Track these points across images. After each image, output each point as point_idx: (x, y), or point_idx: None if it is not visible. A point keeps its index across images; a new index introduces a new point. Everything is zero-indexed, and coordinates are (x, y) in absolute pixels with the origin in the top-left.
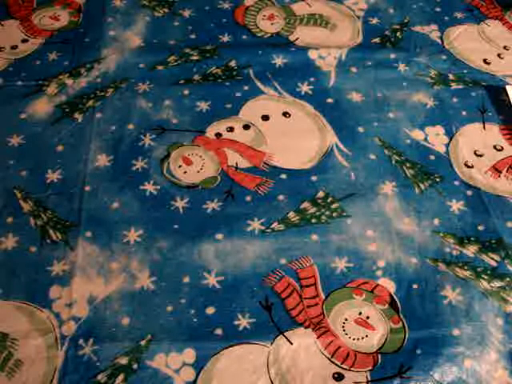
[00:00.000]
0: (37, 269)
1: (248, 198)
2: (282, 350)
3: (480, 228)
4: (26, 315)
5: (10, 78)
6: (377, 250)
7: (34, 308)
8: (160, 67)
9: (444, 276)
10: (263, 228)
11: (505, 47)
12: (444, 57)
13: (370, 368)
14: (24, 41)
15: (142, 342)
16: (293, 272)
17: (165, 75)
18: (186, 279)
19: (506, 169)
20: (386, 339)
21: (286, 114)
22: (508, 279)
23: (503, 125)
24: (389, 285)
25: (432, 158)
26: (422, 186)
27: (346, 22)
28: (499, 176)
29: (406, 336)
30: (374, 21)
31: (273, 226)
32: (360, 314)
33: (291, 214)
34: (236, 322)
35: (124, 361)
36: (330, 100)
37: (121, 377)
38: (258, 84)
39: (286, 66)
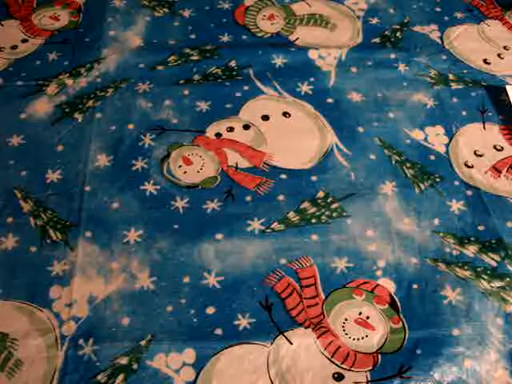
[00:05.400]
0: (37, 269)
1: (248, 198)
2: (281, 350)
3: (480, 228)
4: (26, 315)
5: (10, 78)
6: (377, 250)
7: (34, 308)
8: (160, 67)
9: (444, 276)
10: (263, 228)
11: (505, 47)
12: (444, 57)
13: (370, 368)
14: (24, 41)
15: (142, 342)
16: (293, 272)
17: (165, 75)
18: (186, 279)
19: (506, 169)
20: (386, 339)
21: (285, 114)
22: (508, 279)
23: (503, 125)
24: (389, 285)
25: (432, 157)
26: (422, 186)
27: (346, 21)
28: (499, 176)
29: (406, 336)
30: (374, 21)
31: (273, 226)
32: (360, 314)
33: (291, 214)
34: (236, 322)
35: (124, 361)
36: (330, 100)
37: (121, 377)
38: (258, 84)
39: (286, 66)
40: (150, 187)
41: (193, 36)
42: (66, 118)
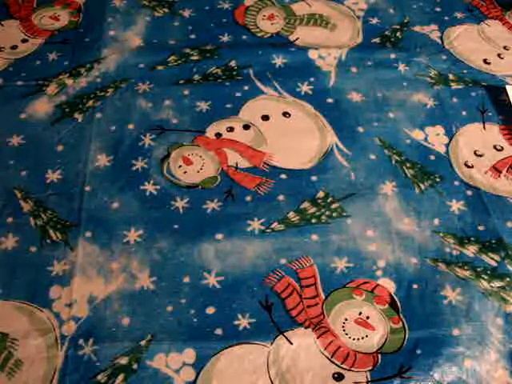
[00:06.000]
0: (37, 269)
1: (248, 198)
2: (281, 350)
3: (480, 228)
4: (26, 315)
5: (10, 78)
6: (377, 250)
7: (34, 308)
8: (160, 67)
9: (444, 276)
10: (263, 228)
11: (505, 47)
12: (444, 57)
13: (370, 368)
14: (24, 41)
15: (142, 342)
16: (293, 272)
17: (165, 75)
18: (186, 279)
19: (506, 169)
20: (386, 339)
21: (285, 114)
22: (508, 279)
23: (503, 125)
24: (389, 285)
25: (432, 158)
26: (422, 186)
27: (346, 21)
28: (499, 176)
29: (406, 336)
30: (374, 21)
31: (273, 226)
32: (360, 314)
33: (291, 214)
34: (236, 322)
35: (124, 361)
36: (330, 100)
37: (121, 377)
38: (258, 84)
39: (286, 66)
40: (150, 187)
41: (193, 36)
42: (66, 118)
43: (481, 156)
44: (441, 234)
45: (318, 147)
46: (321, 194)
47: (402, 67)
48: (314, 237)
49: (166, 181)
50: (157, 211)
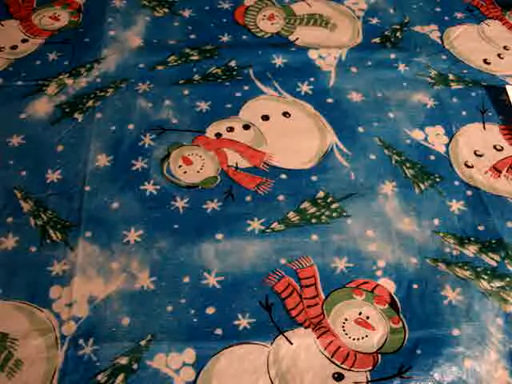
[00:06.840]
0: (37, 269)
1: (248, 198)
2: (281, 350)
3: (480, 228)
4: (26, 315)
5: (10, 78)
6: (377, 249)
7: (34, 308)
8: (160, 67)
9: (444, 276)
10: (263, 228)
11: (505, 47)
12: (444, 57)
13: (370, 368)
14: (24, 41)
15: (142, 342)
16: (293, 272)
17: (165, 75)
18: (186, 279)
19: (506, 169)
20: (386, 339)
21: (286, 114)
22: (508, 279)
23: (503, 125)
24: (389, 285)
25: (432, 157)
26: (422, 186)
27: (346, 22)
28: (499, 176)
29: (406, 336)
30: (374, 21)
31: (273, 226)
32: (360, 314)
33: (291, 214)
34: (236, 322)
35: (124, 361)
36: (330, 100)
37: (121, 377)
38: (258, 84)
39: (286, 66)
40: (149, 187)
41: (193, 36)
42: (66, 118)
43: (481, 156)
44: (441, 234)
45: (318, 147)
46: (321, 194)
47: (401, 67)
48: (314, 237)
49: (165, 181)
50: (157, 211)
